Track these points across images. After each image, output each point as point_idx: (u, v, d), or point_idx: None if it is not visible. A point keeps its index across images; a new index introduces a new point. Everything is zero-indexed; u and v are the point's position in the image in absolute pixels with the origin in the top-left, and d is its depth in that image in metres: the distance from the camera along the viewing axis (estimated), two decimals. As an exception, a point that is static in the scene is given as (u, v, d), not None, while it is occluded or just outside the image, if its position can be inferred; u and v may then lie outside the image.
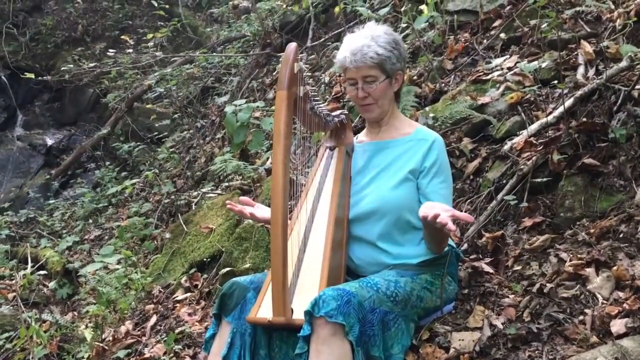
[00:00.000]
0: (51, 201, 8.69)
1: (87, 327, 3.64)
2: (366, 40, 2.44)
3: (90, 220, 7.73)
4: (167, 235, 4.55)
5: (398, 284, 2.27)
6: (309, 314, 2.02)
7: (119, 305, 4.08)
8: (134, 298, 4.12)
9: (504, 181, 3.08)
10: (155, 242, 5.54)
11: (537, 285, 2.42)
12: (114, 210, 7.79)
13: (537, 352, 2.16)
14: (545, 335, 2.22)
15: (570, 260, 2.47)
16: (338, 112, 2.65)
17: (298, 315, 2.08)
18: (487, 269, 2.69)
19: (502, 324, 2.34)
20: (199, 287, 3.74)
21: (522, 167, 3.01)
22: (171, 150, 8.04)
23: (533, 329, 2.25)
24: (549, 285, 2.40)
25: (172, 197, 6.27)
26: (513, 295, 2.47)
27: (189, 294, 3.72)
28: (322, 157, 2.70)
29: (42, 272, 5.84)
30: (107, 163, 8.91)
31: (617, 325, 2.10)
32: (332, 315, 2.00)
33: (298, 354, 2.02)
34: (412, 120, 2.89)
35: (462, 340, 2.30)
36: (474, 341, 2.29)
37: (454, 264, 2.54)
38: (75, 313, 5.14)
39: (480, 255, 2.83)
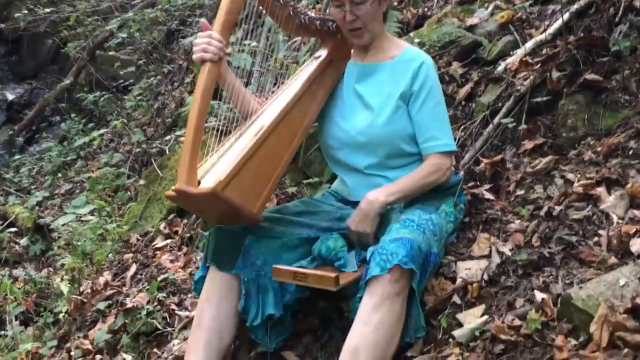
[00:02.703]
0: (17, 157, 8.37)
1: (62, 280, 3.44)
2: None
3: (59, 175, 7.47)
4: (142, 182, 4.33)
5: (433, 221, 2.13)
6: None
7: (96, 257, 3.89)
8: (110, 249, 3.93)
9: (500, 104, 2.90)
10: (129, 193, 5.33)
11: (545, 209, 2.27)
12: (83, 163, 7.52)
13: (551, 277, 2.02)
14: (558, 260, 2.08)
15: (579, 181, 2.32)
16: (328, 19, 2.42)
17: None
18: (488, 195, 2.54)
19: (510, 250, 2.20)
20: (180, 232, 3.55)
21: (518, 87, 2.84)
22: (139, 98, 7.75)
23: (545, 253, 2.10)
24: (557, 208, 2.25)
25: (143, 146, 6.03)
26: (519, 220, 2.32)
27: (169, 241, 3.53)
28: (307, 65, 2.49)
29: (12, 230, 5.64)
30: (73, 115, 8.55)
31: (638, 245, 1.96)
32: (406, 262, 1.91)
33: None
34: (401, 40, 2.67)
35: (469, 269, 2.16)
36: (482, 269, 2.15)
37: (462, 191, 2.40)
38: (51, 269, 4.94)
39: (479, 182, 2.68)
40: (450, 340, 1.97)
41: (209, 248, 2.23)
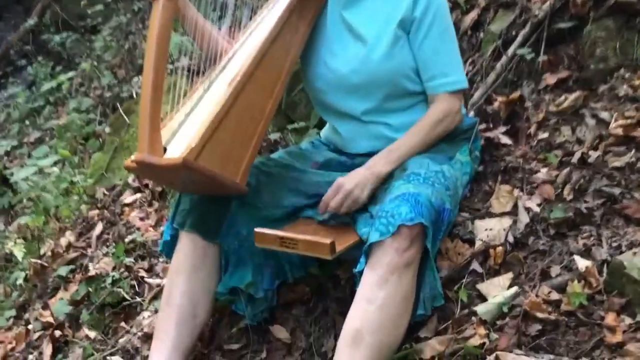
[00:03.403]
0: (-19, 104, 7.91)
1: (15, 243, 3.05)
2: None
3: (28, 122, 7.06)
4: (107, 130, 3.92)
5: (444, 174, 1.76)
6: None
7: (61, 212, 3.51)
8: (76, 204, 3.55)
9: (514, 33, 2.50)
10: (100, 140, 4.95)
11: (578, 155, 1.91)
12: (52, 109, 7.11)
13: (592, 238, 1.68)
14: (598, 217, 1.73)
15: (615, 121, 1.96)
16: None
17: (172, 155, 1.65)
18: (505, 139, 2.18)
19: (538, 205, 1.84)
20: (150, 186, 3.16)
21: (536, 13, 2.43)
22: (108, 38, 7.27)
23: (582, 209, 1.75)
24: (593, 154, 1.90)
25: (115, 89, 5.62)
26: (546, 169, 1.96)
27: (138, 195, 3.14)
28: None
29: (-24, 182, 5.27)
30: (40, 58, 8.10)
31: (700, 198, 1.62)
32: (412, 218, 1.56)
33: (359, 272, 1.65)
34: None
35: (490, 229, 1.81)
36: (505, 230, 1.79)
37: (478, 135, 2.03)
38: (21, 222, 4.59)
39: (492, 125, 2.31)
40: (473, 317, 1.62)
41: (191, 212, 1.86)
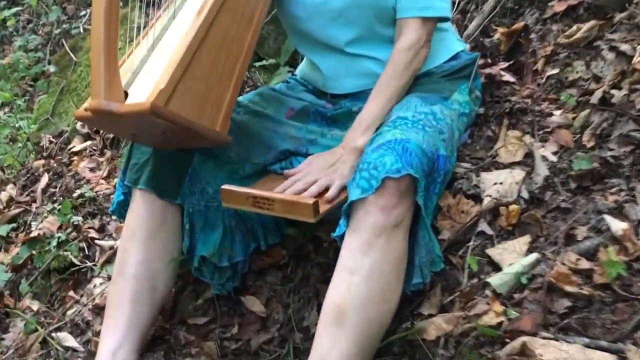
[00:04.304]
0: None
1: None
2: None
3: (-28, 61, 6.60)
4: (52, 69, 3.53)
5: (436, 115, 1.48)
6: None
7: (3, 162, 3.17)
8: (21, 152, 3.20)
9: (513, -47, 2.20)
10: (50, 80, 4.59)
11: (598, 94, 1.64)
12: (-2, 47, 6.66)
13: (623, 193, 1.42)
14: (627, 167, 1.47)
15: (640, 54, 1.69)
16: None
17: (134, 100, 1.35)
18: (508, 77, 1.90)
19: (554, 154, 1.58)
20: (102, 132, 2.82)
21: None
22: (55, -32, 6.77)
23: (607, 158, 1.49)
24: (616, 93, 1.62)
25: (64, 26, 5.20)
26: (560, 111, 1.69)
27: (88, 143, 2.80)
28: None
29: None
30: (-19, -8, 7.55)
31: None
32: (399, 169, 1.29)
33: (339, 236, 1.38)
34: None
35: (500, 184, 1.54)
36: (518, 184, 1.53)
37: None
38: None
39: (489, 59, 2.02)
40: (486, 290, 1.37)
41: (146, 168, 1.57)
